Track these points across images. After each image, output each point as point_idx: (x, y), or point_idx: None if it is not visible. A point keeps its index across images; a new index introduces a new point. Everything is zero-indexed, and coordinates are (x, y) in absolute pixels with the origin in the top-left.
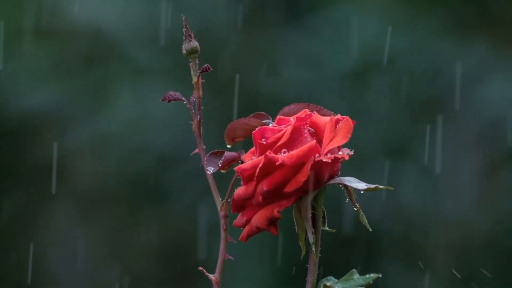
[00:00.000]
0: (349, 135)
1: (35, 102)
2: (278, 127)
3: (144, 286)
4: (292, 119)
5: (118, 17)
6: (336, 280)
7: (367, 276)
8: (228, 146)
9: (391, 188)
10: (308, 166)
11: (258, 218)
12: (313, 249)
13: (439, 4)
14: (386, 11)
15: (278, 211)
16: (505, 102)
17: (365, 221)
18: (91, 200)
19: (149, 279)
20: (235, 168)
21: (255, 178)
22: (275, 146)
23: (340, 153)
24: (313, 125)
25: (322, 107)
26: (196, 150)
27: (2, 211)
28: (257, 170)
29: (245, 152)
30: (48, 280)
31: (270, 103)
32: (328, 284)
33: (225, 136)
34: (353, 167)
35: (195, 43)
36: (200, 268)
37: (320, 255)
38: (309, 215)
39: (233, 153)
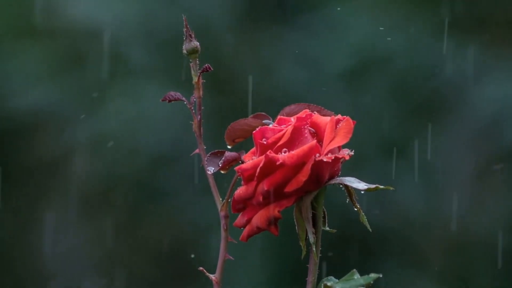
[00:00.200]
0: (350, 135)
1: (31, 101)
2: (279, 127)
3: (144, 286)
4: (293, 119)
5: (114, 16)
6: (337, 280)
7: (368, 276)
8: (229, 147)
9: (391, 188)
10: (308, 166)
11: (259, 218)
12: (314, 249)
13: (436, 3)
14: (382, 10)
15: (278, 211)
16: (502, 102)
17: (365, 221)
18: (89, 200)
19: (149, 279)
20: (236, 168)
21: (255, 178)
22: (276, 146)
23: (340, 153)
24: (314, 125)
25: (322, 107)
26: (197, 150)
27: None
28: (258, 170)
29: (246, 152)
30: (46, 281)
31: (266, 103)
32: (328, 284)
33: (225, 137)
34: (351, 167)
35: (195, 43)
36: (201, 268)
37: (320, 255)
38: (310, 215)
39: (233, 153)
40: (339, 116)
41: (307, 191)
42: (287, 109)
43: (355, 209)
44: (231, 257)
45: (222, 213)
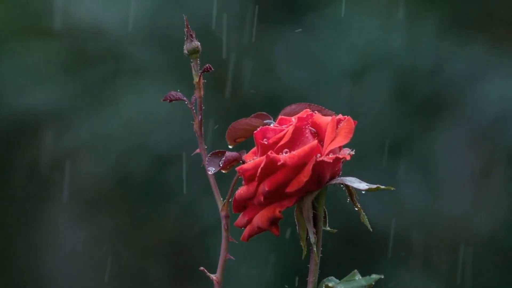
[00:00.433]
0: (351, 135)
1: (34, 101)
2: (280, 127)
3: (145, 286)
4: (294, 119)
5: (118, 16)
6: (338, 281)
7: (369, 277)
8: (230, 147)
9: (392, 188)
10: (309, 166)
11: (260, 218)
12: (315, 249)
13: (438, 3)
14: (385, 10)
15: (279, 211)
16: (504, 101)
17: (366, 221)
18: (90, 200)
19: (149, 279)
20: (237, 168)
21: (256, 178)
22: (277, 146)
23: (341, 153)
24: (315, 125)
25: (323, 107)
26: (198, 150)
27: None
28: (259, 170)
29: (247, 152)
30: (46, 281)
31: (268, 102)
32: (330, 284)
33: (226, 136)
34: (352, 167)
35: (196, 43)
36: (202, 268)
37: (321, 255)
38: (311, 215)
39: (234, 153)
40: (340, 116)
41: (308, 191)
42: (287, 109)
43: (356, 209)
44: (232, 257)
45: (223, 213)
